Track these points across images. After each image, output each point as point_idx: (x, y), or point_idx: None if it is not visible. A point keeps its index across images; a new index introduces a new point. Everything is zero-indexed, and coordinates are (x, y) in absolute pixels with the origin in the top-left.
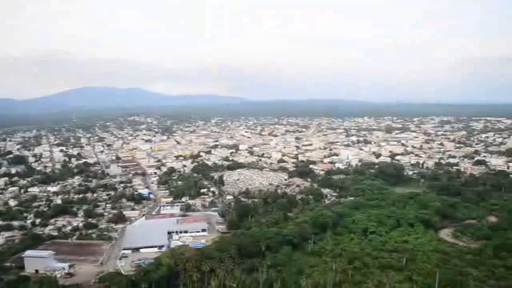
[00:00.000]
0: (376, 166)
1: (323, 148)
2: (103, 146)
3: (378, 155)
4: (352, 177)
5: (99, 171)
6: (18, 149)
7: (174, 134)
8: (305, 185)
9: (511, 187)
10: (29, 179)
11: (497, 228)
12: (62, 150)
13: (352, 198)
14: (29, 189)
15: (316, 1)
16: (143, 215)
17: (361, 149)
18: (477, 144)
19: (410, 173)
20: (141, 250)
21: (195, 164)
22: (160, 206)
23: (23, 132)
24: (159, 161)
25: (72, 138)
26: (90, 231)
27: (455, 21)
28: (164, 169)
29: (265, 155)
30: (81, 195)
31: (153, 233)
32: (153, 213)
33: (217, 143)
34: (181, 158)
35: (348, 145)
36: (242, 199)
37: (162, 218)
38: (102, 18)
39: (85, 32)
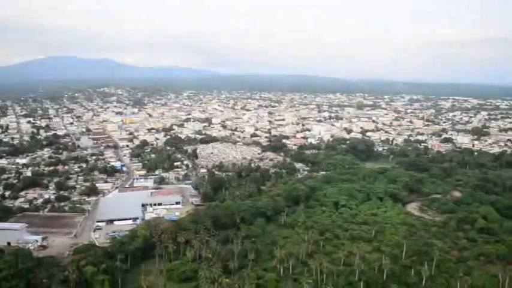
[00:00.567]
0: (348, 142)
1: (295, 123)
2: (72, 118)
3: (349, 131)
4: (324, 152)
5: (70, 143)
6: None
7: (146, 107)
8: (278, 159)
9: (475, 164)
10: None
11: (461, 202)
12: (29, 122)
13: (324, 172)
14: None
15: None
16: (116, 187)
17: (332, 125)
18: (445, 122)
19: (380, 149)
20: (115, 222)
21: (168, 137)
22: (134, 179)
23: None
24: (131, 133)
25: (40, 109)
26: (62, 204)
27: (426, 4)
28: (136, 142)
29: (238, 129)
30: (51, 168)
31: (127, 205)
32: (127, 185)
33: (189, 116)
34: (154, 131)
35: (320, 121)
36: (216, 172)
37: (136, 191)
38: None
39: None
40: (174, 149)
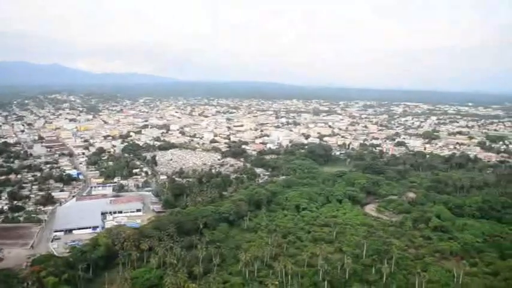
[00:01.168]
0: (306, 147)
1: (254, 129)
2: (23, 125)
3: (307, 136)
4: (283, 157)
5: (22, 152)
6: None
7: (101, 114)
8: (238, 165)
9: (428, 166)
10: None
11: (416, 203)
12: None
13: (284, 177)
14: None
15: None
16: (73, 196)
17: (291, 130)
18: (397, 127)
19: (338, 153)
20: (73, 232)
21: (125, 144)
22: (92, 187)
23: None
24: (86, 141)
25: None
26: (16, 214)
27: (379, 15)
28: (93, 149)
29: (197, 136)
30: (3, 177)
31: (86, 214)
32: (84, 194)
33: (146, 123)
34: (110, 138)
35: (278, 126)
36: (176, 179)
37: (94, 199)
38: None
39: None
40: (132, 156)
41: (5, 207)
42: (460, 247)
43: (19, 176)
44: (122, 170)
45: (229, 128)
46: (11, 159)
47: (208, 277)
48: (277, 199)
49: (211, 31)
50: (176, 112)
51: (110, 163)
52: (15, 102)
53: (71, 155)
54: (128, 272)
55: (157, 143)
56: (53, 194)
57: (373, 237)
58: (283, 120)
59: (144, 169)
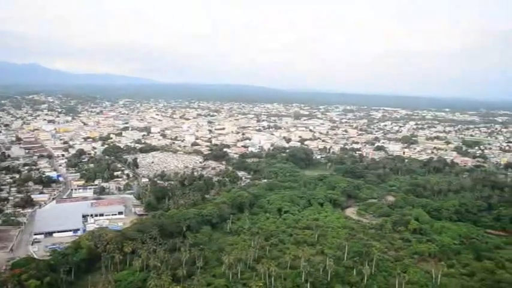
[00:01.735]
0: (287, 150)
1: (236, 132)
2: (0, 126)
3: (288, 140)
4: (265, 161)
5: None
6: None
7: (80, 115)
8: (220, 168)
9: (406, 170)
10: None
11: (395, 206)
12: None
13: (266, 180)
14: None
15: None
16: (53, 198)
17: (272, 134)
18: (377, 131)
19: (319, 157)
20: (54, 235)
21: (106, 146)
22: (72, 189)
23: None
24: (65, 142)
25: None
26: None
27: (355, 21)
28: (72, 151)
29: (178, 138)
30: None
31: (67, 216)
32: (64, 196)
33: (127, 125)
34: (90, 139)
35: (259, 130)
36: (158, 182)
37: (75, 202)
38: None
39: None
40: (113, 159)
41: None
42: (437, 249)
43: None
44: (103, 172)
45: (210, 131)
46: None
47: (192, 279)
48: (259, 202)
49: (193, 34)
50: (157, 114)
51: (91, 165)
52: None
53: (50, 156)
54: (111, 274)
55: (139, 146)
56: (32, 196)
57: (354, 240)
58: (265, 123)
59: (126, 172)
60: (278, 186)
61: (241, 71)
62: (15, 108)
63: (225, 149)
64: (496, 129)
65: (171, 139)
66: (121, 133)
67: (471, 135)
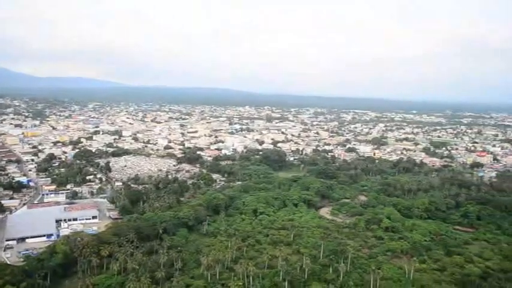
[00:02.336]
0: (260, 152)
1: (208, 135)
2: None
3: (261, 142)
4: (239, 163)
5: None
6: None
7: (48, 119)
8: (194, 171)
9: (377, 171)
10: None
11: (367, 205)
12: None
13: (240, 182)
14: None
15: None
16: (24, 204)
17: (245, 137)
18: (347, 133)
19: (292, 158)
20: (27, 240)
21: (77, 150)
22: (43, 194)
23: None
24: (34, 147)
25: None
26: None
27: (331, 25)
28: (42, 156)
29: (150, 142)
30: None
31: (39, 221)
32: (36, 201)
33: (97, 129)
34: (60, 144)
35: (232, 133)
36: (132, 185)
37: (47, 207)
38: None
39: None
40: (85, 163)
41: None
42: (409, 246)
43: None
44: (74, 176)
45: (183, 134)
46: None
47: (171, 281)
48: (235, 204)
49: (158, 37)
50: (128, 118)
51: (62, 170)
52: None
53: (18, 161)
54: (88, 278)
55: (110, 149)
56: (2, 202)
57: (328, 239)
58: (237, 126)
59: (98, 176)
60: (253, 188)
61: (211, 74)
62: None
63: (198, 152)
64: (462, 130)
65: (144, 142)
66: (92, 137)
67: (438, 137)
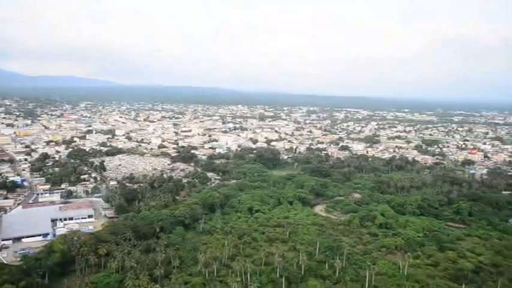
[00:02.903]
0: (254, 151)
1: (202, 134)
2: None
3: (255, 141)
4: (233, 162)
5: None
6: None
7: (40, 118)
8: (189, 170)
9: (370, 168)
10: None
11: (361, 202)
12: None
13: (235, 181)
14: None
15: None
16: (19, 203)
17: (238, 135)
18: (340, 132)
19: (285, 157)
20: (23, 240)
21: (70, 149)
22: (38, 194)
23: None
24: (27, 146)
25: None
26: None
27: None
28: (35, 155)
29: (144, 141)
30: None
31: (35, 221)
32: (30, 201)
33: (90, 128)
34: (53, 143)
35: (225, 131)
36: (127, 184)
37: (42, 206)
38: None
39: None
40: (79, 162)
41: None
42: (403, 242)
43: None
44: (69, 176)
45: (176, 133)
46: None
47: (170, 279)
48: (230, 202)
49: (150, 35)
50: (120, 117)
51: (56, 169)
52: None
53: (11, 161)
54: (87, 277)
55: (104, 149)
56: None
57: (324, 236)
58: (231, 125)
59: (93, 175)
60: (248, 186)
61: (203, 73)
62: None
63: (192, 151)
64: (453, 128)
65: (137, 142)
66: (85, 136)
67: (430, 135)
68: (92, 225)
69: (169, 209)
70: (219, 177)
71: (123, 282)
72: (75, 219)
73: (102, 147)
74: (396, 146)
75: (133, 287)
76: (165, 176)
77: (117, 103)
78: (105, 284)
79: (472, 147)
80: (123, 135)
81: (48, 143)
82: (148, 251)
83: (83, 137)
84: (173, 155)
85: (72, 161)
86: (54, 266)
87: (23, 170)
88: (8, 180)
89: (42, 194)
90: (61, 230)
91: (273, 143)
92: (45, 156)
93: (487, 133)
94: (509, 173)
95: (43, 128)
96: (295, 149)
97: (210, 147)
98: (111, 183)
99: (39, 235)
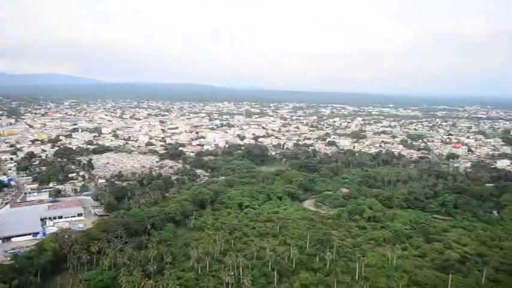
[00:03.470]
0: (242, 147)
1: (189, 131)
2: None
3: (243, 138)
4: (221, 158)
5: None
6: None
7: (24, 117)
8: (178, 167)
9: (357, 163)
10: None
11: (349, 197)
12: None
13: (223, 177)
14: None
15: None
16: (6, 203)
17: (226, 132)
18: (327, 127)
19: (273, 153)
20: (12, 239)
21: (57, 148)
22: (26, 193)
23: None
24: (12, 145)
25: None
26: None
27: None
28: (21, 154)
29: (131, 139)
30: None
31: (24, 220)
32: (18, 200)
33: (76, 126)
34: (39, 142)
35: (212, 128)
36: (116, 182)
37: (30, 205)
38: None
39: None
40: (66, 161)
41: None
42: (391, 234)
43: None
44: (57, 174)
45: (163, 130)
46: None
47: (163, 275)
48: (220, 198)
49: (134, 31)
50: (106, 115)
51: (43, 168)
52: None
53: None
54: (81, 274)
55: (91, 147)
56: None
57: (313, 230)
58: (217, 122)
59: (81, 173)
60: (237, 182)
61: (186, 69)
62: None
63: (180, 148)
64: (437, 123)
65: (124, 139)
66: (71, 134)
67: (415, 129)
68: (82, 224)
69: (160, 206)
70: (207, 174)
71: (116, 279)
72: (65, 217)
73: (89, 146)
74: (382, 141)
75: (127, 283)
76: (153, 173)
77: (102, 101)
78: (98, 281)
79: (456, 141)
80: (110, 133)
81: (33, 141)
82: (140, 248)
83: (68, 136)
84: (161, 152)
85: (59, 159)
86: (46, 264)
87: (9, 169)
88: None
89: (30, 193)
90: (51, 228)
91: (260, 140)
92: (31, 155)
93: (470, 127)
94: (492, 166)
95: (27, 126)
96: (283, 145)
97: (197, 144)
98: (100, 181)
99: (29, 234)
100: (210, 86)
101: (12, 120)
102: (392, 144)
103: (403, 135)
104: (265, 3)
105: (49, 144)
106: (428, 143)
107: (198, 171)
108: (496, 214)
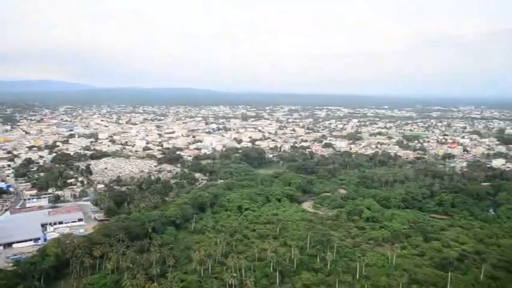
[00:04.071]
0: (240, 151)
1: (186, 135)
2: None
3: (239, 141)
4: (219, 162)
5: None
6: None
7: (19, 124)
8: (176, 171)
9: (354, 164)
10: None
11: (347, 198)
12: None
13: (222, 180)
14: None
15: None
16: (6, 209)
17: (223, 136)
18: (323, 129)
19: (271, 156)
20: (13, 245)
21: (54, 154)
22: (25, 199)
23: None
24: (9, 152)
25: None
26: None
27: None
28: (19, 161)
29: (128, 143)
30: None
31: (24, 226)
32: (18, 206)
33: (72, 132)
34: (35, 148)
35: (209, 132)
36: (115, 187)
37: (30, 211)
38: None
39: None
40: (64, 166)
41: None
42: (390, 234)
43: None
44: (55, 180)
45: (160, 135)
46: None
47: (166, 278)
48: (219, 201)
49: (133, 32)
50: (102, 120)
51: (41, 174)
52: None
53: None
54: (84, 278)
55: (88, 152)
56: None
57: (313, 231)
58: (214, 126)
59: (79, 179)
60: (236, 185)
61: (182, 74)
62: None
63: (178, 152)
64: (432, 123)
65: (121, 144)
66: (67, 140)
67: (410, 130)
68: (83, 229)
69: (160, 209)
70: (206, 178)
71: (119, 283)
72: (65, 223)
73: (86, 151)
74: (378, 142)
75: (130, 287)
76: (152, 177)
77: (97, 106)
78: (101, 284)
79: (451, 141)
80: (107, 138)
81: (30, 148)
82: (142, 252)
83: (65, 141)
84: (159, 156)
85: (57, 165)
86: (49, 269)
87: (7, 176)
88: None
89: (29, 199)
90: (52, 234)
91: (257, 143)
92: (29, 161)
93: (465, 127)
94: (488, 166)
95: (24, 133)
96: (280, 148)
97: (195, 148)
98: (99, 186)
99: (30, 240)
100: (207, 90)
101: (8, 127)
102: (389, 145)
103: (398, 136)
104: (265, 3)
105: (46, 151)
106: (424, 144)
107: (197, 175)
108: (492, 212)
